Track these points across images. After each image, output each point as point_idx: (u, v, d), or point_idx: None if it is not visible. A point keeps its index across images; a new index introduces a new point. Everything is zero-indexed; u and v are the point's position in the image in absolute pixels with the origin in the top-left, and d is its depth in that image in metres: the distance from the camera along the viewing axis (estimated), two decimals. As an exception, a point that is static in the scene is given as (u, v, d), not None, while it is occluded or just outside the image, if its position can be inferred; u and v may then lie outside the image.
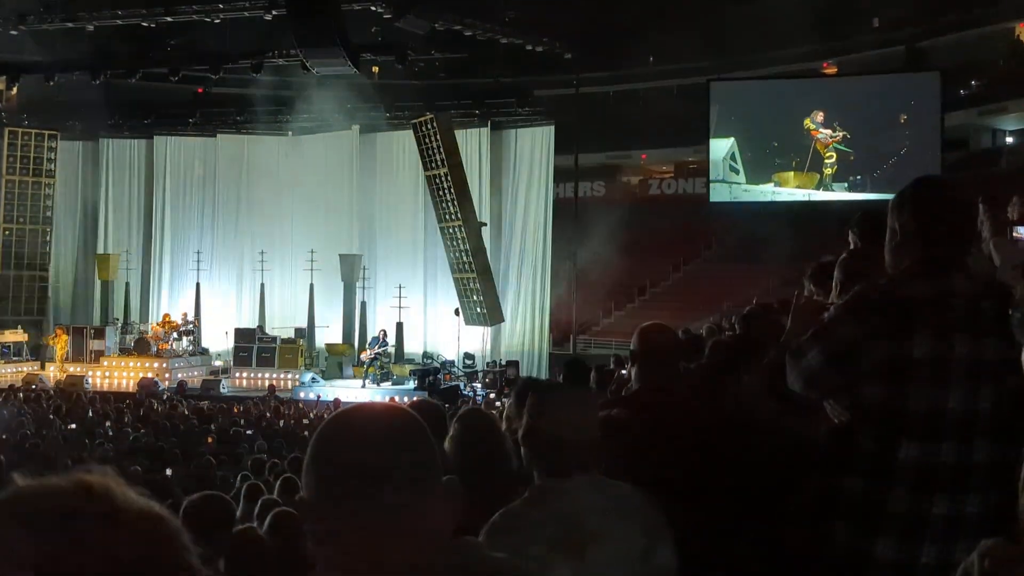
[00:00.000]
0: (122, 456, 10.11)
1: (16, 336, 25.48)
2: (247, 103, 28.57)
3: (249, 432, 13.41)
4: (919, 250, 2.39)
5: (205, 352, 26.74)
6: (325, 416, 1.46)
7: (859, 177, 30.30)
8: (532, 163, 27.00)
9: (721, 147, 32.09)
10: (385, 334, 23.73)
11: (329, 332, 27.09)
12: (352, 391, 22.05)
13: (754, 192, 31.88)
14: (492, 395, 20.83)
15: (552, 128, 26.84)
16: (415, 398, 17.22)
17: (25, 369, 24.51)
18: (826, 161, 30.94)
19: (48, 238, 28.00)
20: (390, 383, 23.06)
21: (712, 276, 29.68)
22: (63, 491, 0.93)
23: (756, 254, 27.23)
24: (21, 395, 18.49)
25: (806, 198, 31.11)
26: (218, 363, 26.29)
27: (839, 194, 30.46)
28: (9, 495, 0.94)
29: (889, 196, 2.57)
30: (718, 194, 32.27)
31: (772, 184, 31.87)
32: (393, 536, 1.28)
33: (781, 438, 2.91)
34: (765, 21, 28.59)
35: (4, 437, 11.77)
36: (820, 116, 30.81)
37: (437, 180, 24.46)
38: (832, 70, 32.92)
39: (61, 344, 24.52)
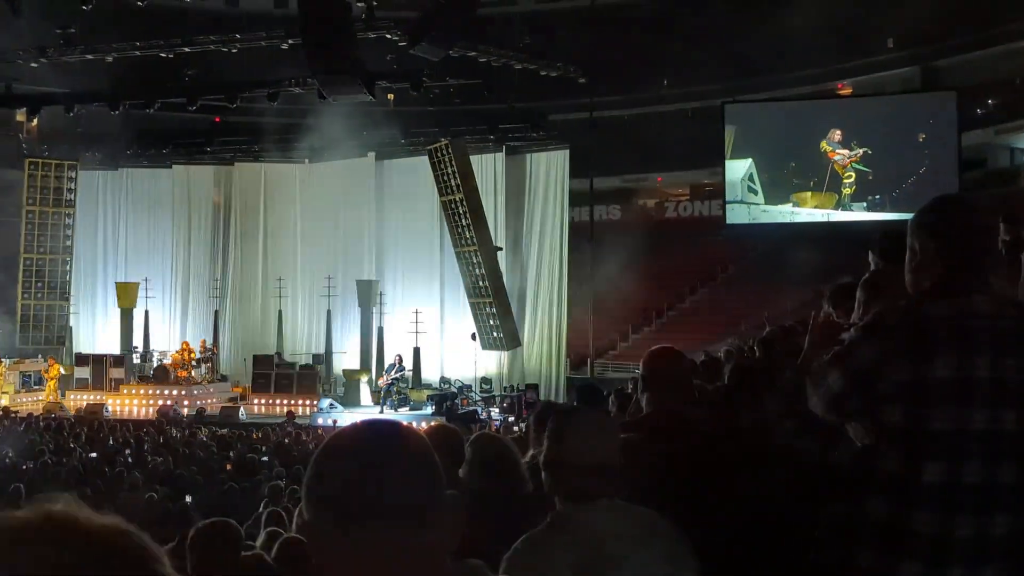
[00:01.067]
0: (142, 483, 10.13)
1: (37, 365, 25.65)
2: (264, 131, 28.82)
3: (267, 459, 13.42)
4: (939, 270, 2.36)
5: (223, 379, 26.85)
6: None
7: (878, 197, 30.20)
8: (547, 187, 27.06)
9: (739, 168, 32.08)
10: (400, 359, 23.73)
11: (347, 358, 27.16)
12: (370, 416, 22.07)
13: (773, 212, 31.83)
14: (511, 419, 20.79)
15: (567, 152, 26.92)
16: (432, 423, 17.20)
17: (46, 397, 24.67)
18: (844, 181, 30.88)
19: (68, 267, 28.23)
20: (408, 408, 23.07)
21: (730, 298, 29.58)
22: (22, 521, 0.93)
23: (774, 276, 27.15)
24: (42, 423, 18.58)
25: (825, 218, 31.03)
26: (236, 390, 26.39)
27: (858, 214, 30.36)
28: None
29: (909, 215, 2.55)
30: (735, 216, 32.21)
31: (791, 204, 31.82)
32: (395, 556, 1.26)
33: (801, 461, 2.89)
34: (779, 43, 28.61)
35: (26, 466, 11.83)
36: (837, 135, 30.76)
37: (452, 205, 24.59)
38: (847, 91, 32.92)
39: (53, 374, 24.69)
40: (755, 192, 32.03)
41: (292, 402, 23.57)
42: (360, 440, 1.34)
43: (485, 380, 25.75)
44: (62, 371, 25.93)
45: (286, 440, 16.86)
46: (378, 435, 1.35)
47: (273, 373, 24.60)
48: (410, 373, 24.83)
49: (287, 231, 29.20)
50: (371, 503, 1.26)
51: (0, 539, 0.92)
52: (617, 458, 2.32)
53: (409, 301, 27.43)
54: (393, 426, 1.39)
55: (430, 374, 26.77)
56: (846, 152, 30.71)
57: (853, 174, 30.69)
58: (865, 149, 30.44)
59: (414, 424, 18.81)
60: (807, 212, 31.47)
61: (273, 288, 28.63)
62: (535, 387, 24.13)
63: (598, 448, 2.31)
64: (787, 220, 31.46)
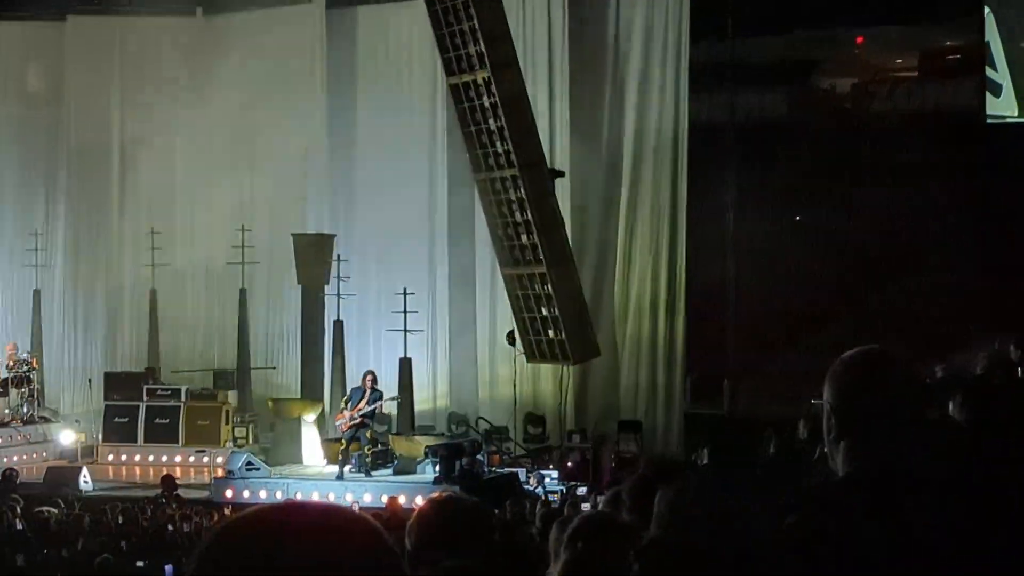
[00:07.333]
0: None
1: None
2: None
3: (141, 562, 13.65)
4: None
5: (52, 419, 26.96)
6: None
7: None
8: (649, 58, 26.82)
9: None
10: (375, 380, 23.39)
11: (279, 376, 27.31)
12: (322, 485, 22.21)
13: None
14: (581, 491, 20.77)
15: (683, -9, 26.68)
16: (437, 494, 17.35)
17: None
18: None
19: None
20: (389, 470, 23.04)
21: (976, 264, 29.40)
22: None
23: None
24: None
25: None
26: (74, 437, 26.49)
27: None
28: None
29: None
30: (998, 106, 31.88)
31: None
32: None
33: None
34: None
35: None
36: None
37: (470, 93, 24.47)
38: None
39: None
40: (994, 69, 31.29)
41: (177, 459, 23.84)
42: (268, 535, 1.50)
43: (533, 418, 25.56)
44: None
45: (169, 527, 17.12)
46: (297, 526, 1.50)
47: (142, 405, 24.81)
48: (395, 403, 24.71)
49: (166, 140, 29.29)
50: None
51: None
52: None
53: (390, 272, 27.38)
54: (329, 509, 1.56)
55: (429, 404, 26.69)
56: None
57: None
58: None
59: (399, 499, 18.97)
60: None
61: (141, 247, 28.68)
62: (638, 425, 24.01)
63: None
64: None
